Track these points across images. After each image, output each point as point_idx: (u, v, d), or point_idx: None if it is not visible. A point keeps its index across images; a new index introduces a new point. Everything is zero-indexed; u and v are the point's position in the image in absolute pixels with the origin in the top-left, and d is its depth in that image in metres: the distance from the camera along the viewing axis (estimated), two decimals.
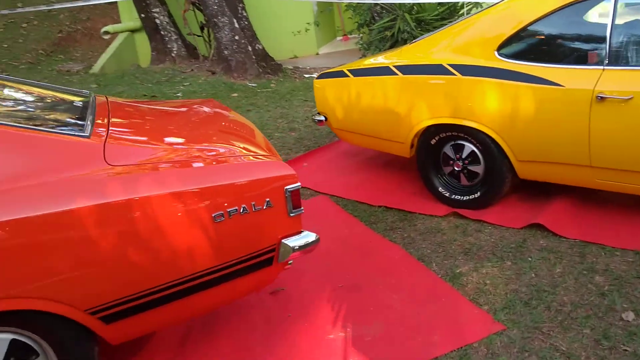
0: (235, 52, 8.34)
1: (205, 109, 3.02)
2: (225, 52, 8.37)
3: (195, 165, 2.19)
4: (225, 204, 2.13)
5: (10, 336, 2.01)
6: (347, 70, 4.15)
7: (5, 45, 10.58)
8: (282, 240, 2.27)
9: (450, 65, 3.56)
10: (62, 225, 1.94)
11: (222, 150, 2.35)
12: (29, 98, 2.78)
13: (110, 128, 2.31)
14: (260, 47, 8.78)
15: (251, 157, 2.33)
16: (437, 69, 3.63)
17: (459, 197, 3.72)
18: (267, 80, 8.26)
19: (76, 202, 1.96)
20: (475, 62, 3.46)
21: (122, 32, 10.42)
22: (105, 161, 2.09)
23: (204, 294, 2.21)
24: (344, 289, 2.99)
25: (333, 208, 3.96)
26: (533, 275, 2.91)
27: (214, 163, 2.21)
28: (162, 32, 9.30)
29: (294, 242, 2.29)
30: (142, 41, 10.02)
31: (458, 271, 3.04)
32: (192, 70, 8.95)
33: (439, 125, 3.64)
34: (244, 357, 2.54)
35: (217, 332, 2.72)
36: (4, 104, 2.55)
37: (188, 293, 2.17)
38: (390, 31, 7.44)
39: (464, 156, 3.63)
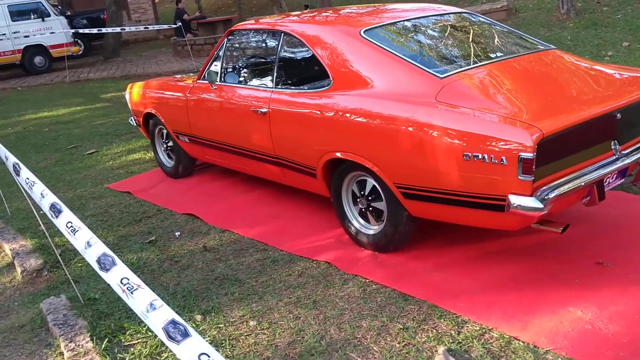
0: None
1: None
2: None
3: (467, 112, 2.86)
4: (473, 149, 2.77)
5: (373, 182, 3.46)
6: None
7: None
8: (508, 195, 2.68)
9: None
10: (385, 124, 3.15)
11: (502, 111, 2.84)
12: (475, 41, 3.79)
13: (471, 79, 3.14)
14: None
15: (514, 122, 2.71)
16: None
17: None
18: None
19: (396, 112, 3.11)
20: None
21: None
22: (435, 97, 3.07)
23: (450, 207, 2.99)
24: None
25: None
26: None
27: (482, 117, 2.82)
28: None
29: (517, 200, 2.63)
30: None
31: None
32: None
33: None
34: (508, 280, 3.09)
35: (512, 257, 3.30)
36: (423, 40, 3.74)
37: (440, 201, 3.01)
38: None
39: None
